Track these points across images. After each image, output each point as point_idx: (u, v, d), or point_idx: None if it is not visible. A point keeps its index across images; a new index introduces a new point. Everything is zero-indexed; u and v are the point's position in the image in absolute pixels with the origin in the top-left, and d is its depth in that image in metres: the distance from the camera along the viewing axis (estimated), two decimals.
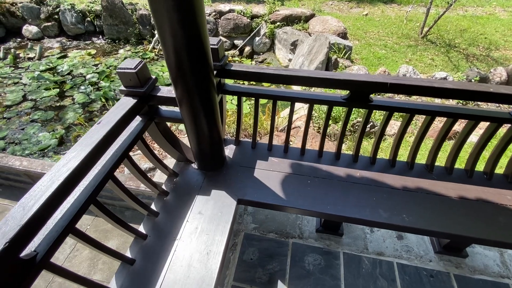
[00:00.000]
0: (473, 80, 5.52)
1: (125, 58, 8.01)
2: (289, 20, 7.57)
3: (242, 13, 7.94)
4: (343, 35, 6.84)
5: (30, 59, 7.93)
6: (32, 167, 2.72)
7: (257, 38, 8.04)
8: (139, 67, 1.35)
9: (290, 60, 7.28)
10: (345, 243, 2.09)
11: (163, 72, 7.44)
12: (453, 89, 1.41)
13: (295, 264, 1.99)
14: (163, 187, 1.73)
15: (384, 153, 3.68)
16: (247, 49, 8.14)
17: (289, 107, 1.86)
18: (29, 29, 8.79)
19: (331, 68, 5.78)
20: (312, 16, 7.66)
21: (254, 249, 2.09)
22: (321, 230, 2.12)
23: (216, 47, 1.52)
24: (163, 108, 1.61)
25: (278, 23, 7.61)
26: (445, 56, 6.56)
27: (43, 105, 6.28)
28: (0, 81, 7.09)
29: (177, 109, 1.53)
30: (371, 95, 1.60)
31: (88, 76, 7.20)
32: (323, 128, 1.84)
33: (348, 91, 1.61)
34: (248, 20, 7.94)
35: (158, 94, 1.44)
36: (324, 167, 1.82)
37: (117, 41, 8.67)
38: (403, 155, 3.50)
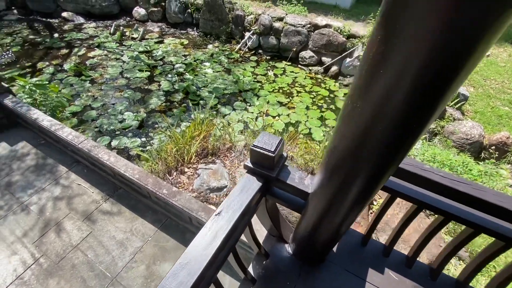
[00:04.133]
0: None
1: (212, 54, 8.24)
2: None
3: (339, 31, 7.40)
4: None
5: (133, 39, 8.75)
6: (116, 165, 2.76)
7: (348, 59, 7.41)
8: (278, 149, 1.05)
9: None
10: None
11: (244, 76, 7.41)
12: None
13: None
14: (250, 269, 1.44)
15: None
16: (334, 68, 7.59)
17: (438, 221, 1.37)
18: (138, 11, 9.72)
19: None
20: None
21: None
22: None
23: None
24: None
25: None
26: None
27: (134, 85, 6.81)
28: (106, 54, 7.96)
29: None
30: None
31: (176, 66, 7.59)
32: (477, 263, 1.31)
33: None
34: (344, 39, 7.36)
35: (288, 182, 1.13)
36: None
37: (208, 35, 9.00)
38: None
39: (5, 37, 8.55)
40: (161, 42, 8.70)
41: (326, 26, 7.57)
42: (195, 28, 9.32)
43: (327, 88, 7.21)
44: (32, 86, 3.70)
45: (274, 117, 6.17)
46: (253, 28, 8.27)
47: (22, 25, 9.33)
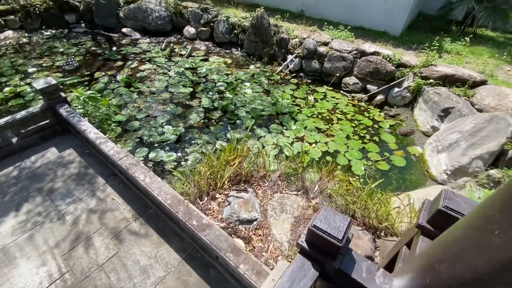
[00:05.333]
0: None
1: (253, 74, 8.31)
2: (448, 81, 6.17)
3: (388, 59, 7.01)
4: None
5: (181, 55, 9.23)
6: (151, 187, 2.72)
7: (396, 89, 6.94)
8: (346, 234, 0.82)
9: (433, 127, 5.89)
10: None
11: (283, 99, 7.30)
12: None
13: None
14: None
15: None
16: (380, 97, 7.14)
17: None
18: (189, 30, 10.32)
19: (502, 164, 4.23)
20: (482, 83, 6.02)
21: None
22: None
23: None
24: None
25: (431, 80, 6.32)
26: None
27: (176, 100, 7.05)
28: (155, 69, 8.46)
29: None
30: None
31: (218, 84, 7.76)
32: None
33: None
34: (393, 67, 6.93)
35: (353, 276, 0.88)
36: None
37: (251, 56, 9.16)
38: None
39: (71, 47, 9.58)
40: (206, 60, 9.05)
41: (374, 53, 7.23)
42: (239, 48, 9.58)
43: (371, 117, 6.77)
44: (86, 97, 3.93)
45: (311, 143, 5.89)
46: (296, 51, 8.23)
47: (87, 37, 10.42)
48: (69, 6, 10.82)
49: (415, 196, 4.45)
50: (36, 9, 10.17)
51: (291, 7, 10.06)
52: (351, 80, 7.57)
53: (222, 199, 3.32)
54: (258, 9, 8.72)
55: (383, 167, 5.33)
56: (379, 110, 7.06)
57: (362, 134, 6.19)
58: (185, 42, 10.07)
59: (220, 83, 7.78)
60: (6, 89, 7.17)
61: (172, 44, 9.86)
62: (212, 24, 9.79)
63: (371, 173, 5.17)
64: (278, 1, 10.27)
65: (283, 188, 3.55)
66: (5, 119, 3.62)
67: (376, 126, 6.51)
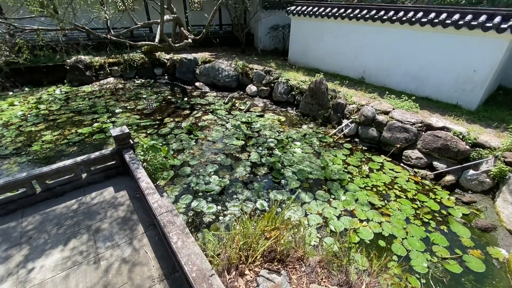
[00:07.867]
0: None
1: (305, 134, 8.32)
2: None
3: (460, 136, 6.25)
4: None
5: (240, 110, 9.95)
6: (180, 253, 2.65)
7: (471, 171, 5.98)
8: None
9: None
10: None
11: (333, 163, 6.96)
12: None
13: None
14: None
15: None
16: (449, 178, 6.21)
17: None
18: (251, 88, 11.25)
19: None
20: None
21: None
22: None
23: None
24: None
25: None
26: None
27: (228, 151, 7.36)
28: (215, 120, 9.21)
29: None
30: None
31: (269, 140, 7.93)
32: None
33: None
34: (467, 147, 6.10)
35: None
36: None
37: (305, 116, 9.31)
38: None
39: (152, 94, 11.29)
40: (261, 116, 9.52)
41: (443, 128, 6.56)
42: (294, 108, 9.89)
43: (438, 200, 5.82)
44: (148, 146, 4.36)
45: (361, 221, 5.24)
46: (352, 117, 8.05)
47: (166, 87, 12.23)
48: (159, 62, 13.11)
49: None
50: (135, 63, 12.58)
51: (352, 74, 10.24)
52: (413, 153, 6.88)
53: (251, 277, 3.02)
54: (318, 74, 9.11)
55: (453, 269, 4.30)
56: (448, 192, 6.07)
57: (426, 220, 5.28)
58: (246, 98, 10.92)
59: (271, 139, 7.93)
60: (95, 124, 8.59)
61: (234, 99, 10.79)
62: (272, 84, 10.53)
63: (436, 273, 4.21)
64: (339, 68, 10.62)
65: (321, 279, 3.07)
66: (82, 157, 4.19)
67: (444, 212, 5.52)
